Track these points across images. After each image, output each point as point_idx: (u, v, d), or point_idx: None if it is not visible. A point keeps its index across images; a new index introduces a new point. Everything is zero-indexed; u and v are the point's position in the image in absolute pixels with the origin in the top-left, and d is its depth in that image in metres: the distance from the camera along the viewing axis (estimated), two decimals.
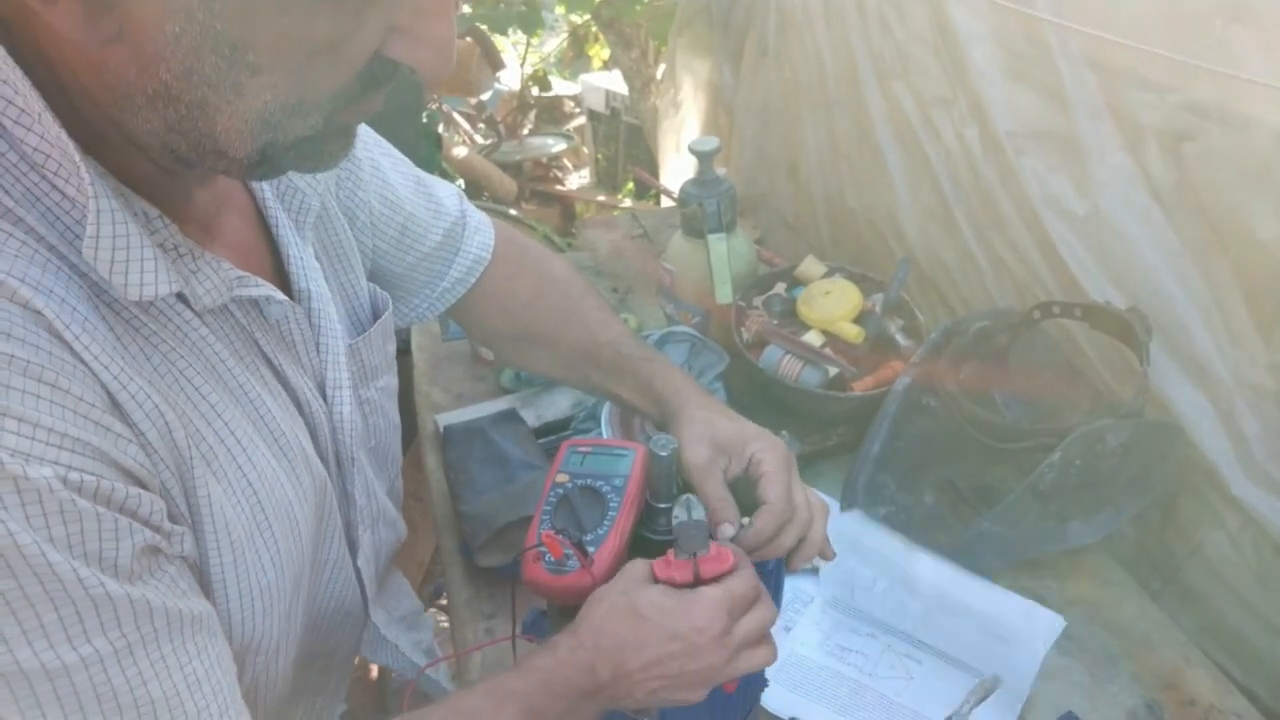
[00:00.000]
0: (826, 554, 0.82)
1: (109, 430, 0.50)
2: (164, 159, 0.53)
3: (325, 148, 0.53)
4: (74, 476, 0.47)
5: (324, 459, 0.71)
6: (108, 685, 0.50)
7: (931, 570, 0.99)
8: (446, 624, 1.99)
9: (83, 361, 0.49)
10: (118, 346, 0.52)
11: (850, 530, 1.01)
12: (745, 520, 0.75)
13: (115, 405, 0.51)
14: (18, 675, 0.47)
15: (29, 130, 0.48)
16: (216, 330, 0.60)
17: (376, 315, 0.82)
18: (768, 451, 0.77)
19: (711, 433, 0.78)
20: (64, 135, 0.48)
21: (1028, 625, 0.94)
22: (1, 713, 0.47)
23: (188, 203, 0.59)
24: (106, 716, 0.50)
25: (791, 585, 1.00)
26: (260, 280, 0.62)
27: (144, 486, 0.52)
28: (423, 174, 0.92)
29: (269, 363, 0.65)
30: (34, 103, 0.48)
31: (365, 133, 0.85)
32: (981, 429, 1.11)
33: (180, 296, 0.57)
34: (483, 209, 0.99)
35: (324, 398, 0.71)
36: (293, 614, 0.69)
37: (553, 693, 0.63)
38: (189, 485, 0.56)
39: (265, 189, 0.69)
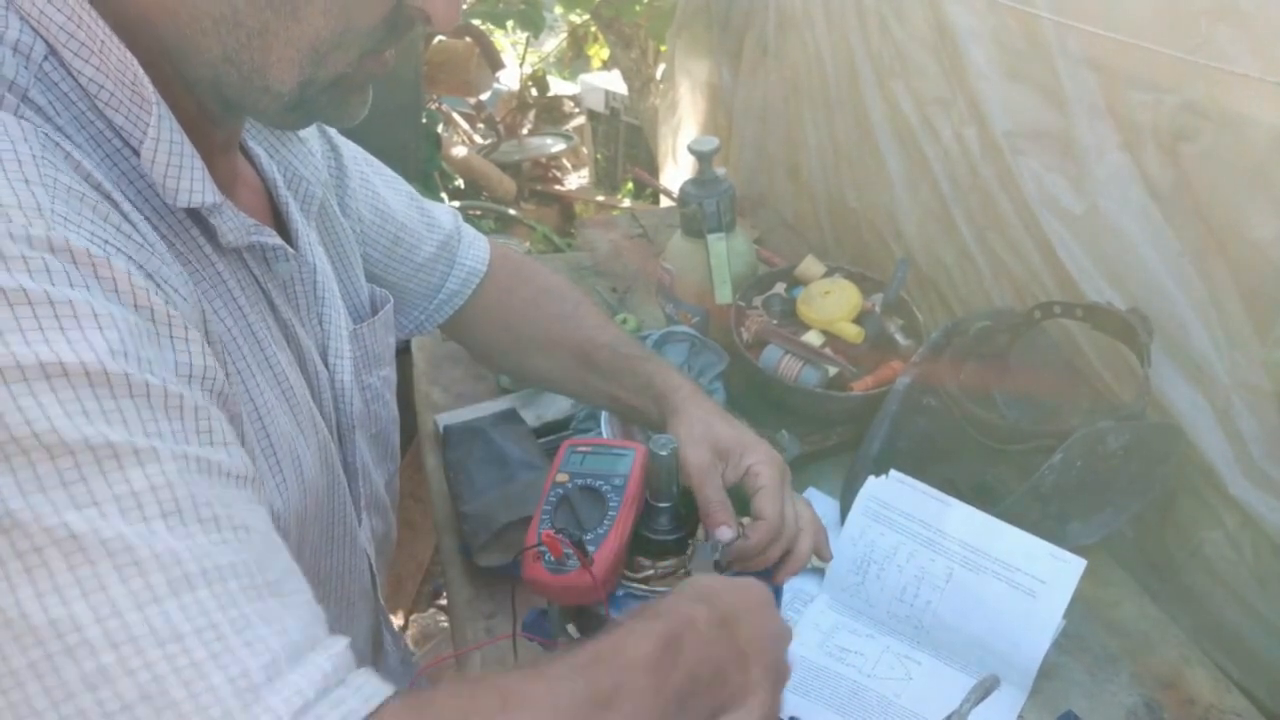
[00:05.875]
0: (824, 555, 0.82)
1: (166, 280, 0.51)
2: (209, 98, 0.56)
3: (350, 98, 0.59)
4: (149, 280, 0.48)
5: (327, 423, 0.71)
6: (200, 485, 0.43)
7: (963, 520, 0.97)
8: (446, 624, 1.99)
9: (136, 229, 0.51)
10: (155, 241, 0.53)
11: (882, 494, 1.00)
12: (745, 520, 0.75)
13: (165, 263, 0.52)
14: (106, 450, 0.40)
15: (86, 62, 0.51)
16: (231, 272, 0.61)
17: (376, 312, 0.83)
18: (765, 465, 0.77)
19: (712, 435, 0.78)
20: (128, 55, 0.50)
21: (1054, 570, 0.92)
22: (97, 498, 0.40)
23: (210, 165, 0.60)
24: (204, 526, 0.42)
25: (792, 585, 1.00)
26: (274, 232, 0.63)
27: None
28: (418, 194, 0.95)
29: (277, 316, 0.66)
30: (97, 32, 0.50)
31: (356, 151, 0.87)
32: (982, 429, 1.11)
33: (204, 229, 0.59)
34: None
35: (326, 365, 0.72)
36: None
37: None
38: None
39: (276, 174, 0.71)
